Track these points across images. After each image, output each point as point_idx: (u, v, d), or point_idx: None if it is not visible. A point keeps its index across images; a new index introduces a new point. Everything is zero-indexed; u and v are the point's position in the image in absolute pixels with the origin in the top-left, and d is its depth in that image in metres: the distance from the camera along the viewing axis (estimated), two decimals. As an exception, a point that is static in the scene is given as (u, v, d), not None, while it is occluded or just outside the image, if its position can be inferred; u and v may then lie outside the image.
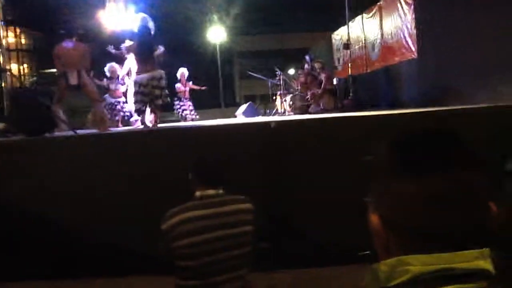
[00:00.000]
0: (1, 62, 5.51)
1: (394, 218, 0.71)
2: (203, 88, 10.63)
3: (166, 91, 6.01)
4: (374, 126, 4.54)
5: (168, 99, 6.11)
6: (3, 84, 5.67)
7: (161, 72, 5.93)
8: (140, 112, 6.03)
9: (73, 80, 5.71)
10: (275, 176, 4.20)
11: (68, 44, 5.86)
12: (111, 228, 4.12)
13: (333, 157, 4.26)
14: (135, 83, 5.94)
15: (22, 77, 37.67)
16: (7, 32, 36.63)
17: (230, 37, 29.15)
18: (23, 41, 38.46)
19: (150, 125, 6.14)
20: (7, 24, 33.79)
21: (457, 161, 0.70)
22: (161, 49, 6.15)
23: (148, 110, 6.06)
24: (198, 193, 2.31)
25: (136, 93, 5.89)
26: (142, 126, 6.23)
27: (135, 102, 5.97)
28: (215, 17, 26.86)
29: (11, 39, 38.33)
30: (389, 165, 0.75)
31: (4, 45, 32.36)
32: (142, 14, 6.28)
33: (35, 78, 35.59)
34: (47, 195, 4.18)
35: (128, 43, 6.25)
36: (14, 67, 37.62)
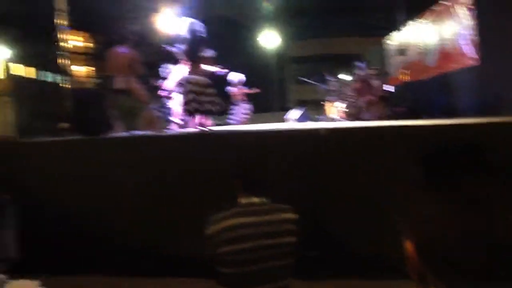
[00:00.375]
0: (65, 65, 5.80)
1: (428, 246, 0.68)
2: (256, 91, 10.66)
3: (215, 98, 6.02)
4: (428, 136, 4.40)
5: (218, 107, 6.10)
6: (66, 86, 5.96)
7: (204, 79, 5.96)
8: (191, 112, 6.08)
9: (119, 84, 5.92)
10: (323, 184, 4.18)
11: (119, 49, 6.09)
12: (158, 229, 4.24)
13: (386, 167, 4.17)
14: (186, 82, 6.00)
15: (86, 79, 39.60)
16: (75, 36, 38.46)
17: (282, 42, 29.29)
18: (87, 44, 40.36)
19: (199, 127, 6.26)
20: (74, 28, 35.46)
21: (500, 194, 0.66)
22: (210, 52, 6.27)
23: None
24: (243, 200, 2.30)
25: (187, 93, 5.97)
26: (193, 128, 6.33)
27: (186, 103, 6.05)
28: (268, 22, 27.06)
29: (78, 42, 40.29)
30: (424, 187, 0.73)
31: (70, 48, 33.76)
32: (191, 19, 6.43)
33: (97, 80, 37.27)
34: (95, 193, 4.36)
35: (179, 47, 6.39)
36: (78, 70, 39.51)
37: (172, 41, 6.57)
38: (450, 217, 0.67)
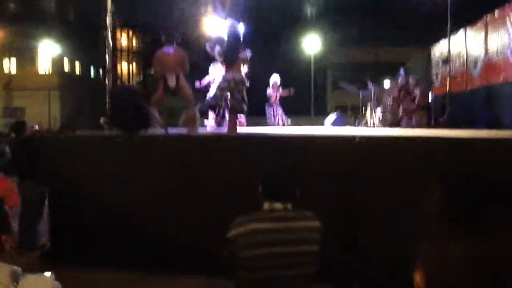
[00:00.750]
0: (108, 62, 5.99)
1: (438, 281, 0.67)
2: (291, 93, 10.60)
3: (245, 98, 6.06)
4: (469, 149, 4.26)
5: (244, 106, 6.13)
6: (109, 82, 6.16)
7: (239, 76, 6.01)
8: (213, 108, 6.11)
9: (172, 83, 6.05)
10: (355, 192, 4.12)
11: (168, 50, 6.22)
12: (187, 227, 4.30)
13: (421, 179, 4.06)
14: (223, 80, 6.05)
15: (131, 75, 40.52)
16: (121, 34, 39.67)
17: (325, 47, 29.21)
18: (134, 43, 41.54)
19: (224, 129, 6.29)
20: (121, 26, 36.57)
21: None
22: (247, 53, 6.31)
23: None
24: (266, 206, 2.25)
25: (213, 96, 6.04)
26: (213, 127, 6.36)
27: (209, 104, 6.11)
28: (312, 28, 27.01)
29: (124, 41, 41.43)
30: (440, 221, 0.71)
31: (116, 46, 34.77)
32: (231, 20, 6.49)
33: (141, 78, 38.19)
34: (127, 189, 4.47)
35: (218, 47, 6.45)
36: (124, 67, 40.49)
37: (214, 42, 6.64)
38: (473, 263, 0.64)
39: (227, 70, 6.13)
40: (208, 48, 6.58)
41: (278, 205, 2.24)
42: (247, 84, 6.29)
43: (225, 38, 6.41)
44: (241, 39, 6.40)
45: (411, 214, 3.92)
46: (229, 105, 6.03)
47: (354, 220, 4.07)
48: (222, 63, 6.52)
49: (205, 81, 8.02)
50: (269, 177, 2.34)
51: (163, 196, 4.41)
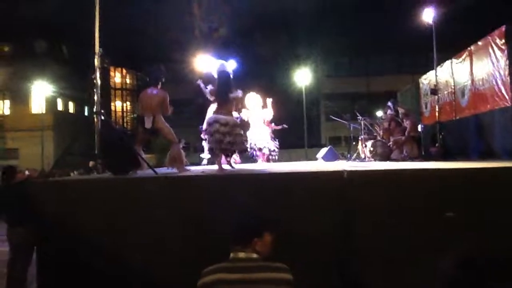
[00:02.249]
0: (97, 104, 6.02)
1: None
2: (284, 127, 10.66)
3: (243, 138, 6.13)
4: (461, 180, 4.28)
5: (245, 145, 6.19)
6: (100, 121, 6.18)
7: (227, 119, 6.03)
8: (213, 151, 6.18)
9: (148, 124, 6.09)
10: (344, 229, 4.09)
11: (151, 91, 6.29)
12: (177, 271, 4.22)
13: (412, 213, 4.07)
14: (209, 131, 6.11)
15: (125, 113, 40.63)
16: (114, 72, 40.06)
17: (316, 79, 29.63)
18: (128, 80, 41.94)
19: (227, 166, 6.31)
20: (115, 65, 36.93)
21: None
22: (239, 92, 6.40)
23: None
24: (231, 255, 2.22)
25: (211, 141, 6.09)
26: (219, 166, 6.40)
27: (211, 142, 6.15)
28: (302, 60, 27.45)
29: (118, 79, 41.82)
30: None
31: (110, 85, 34.94)
32: (222, 61, 6.62)
33: (135, 115, 38.33)
34: (119, 232, 4.41)
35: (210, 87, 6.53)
36: (118, 105, 40.64)
37: (205, 81, 6.73)
38: None
39: (218, 110, 6.18)
40: (201, 85, 6.66)
41: (241, 254, 2.19)
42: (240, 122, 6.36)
43: (216, 76, 6.52)
44: (231, 78, 6.50)
45: (405, 249, 3.93)
46: (224, 149, 6.07)
47: (349, 256, 4.04)
48: (214, 102, 6.59)
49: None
50: (235, 225, 2.29)
51: (157, 238, 4.35)
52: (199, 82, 6.78)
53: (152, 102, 6.19)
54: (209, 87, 6.49)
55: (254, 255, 2.20)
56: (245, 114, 8.83)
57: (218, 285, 2.12)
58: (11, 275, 5.60)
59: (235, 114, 6.51)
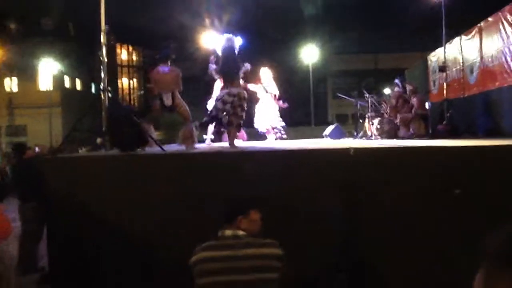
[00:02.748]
0: (104, 82, 6.04)
1: None
2: (285, 106, 10.62)
3: (240, 111, 6.09)
4: (469, 158, 4.28)
5: (239, 119, 6.19)
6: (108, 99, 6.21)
7: (237, 91, 6.04)
8: (215, 120, 6.16)
9: (168, 101, 6.12)
10: (350, 208, 4.12)
11: (163, 68, 6.29)
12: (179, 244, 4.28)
13: (418, 191, 4.08)
14: (217, 99, 6.13)
15: (132, 90, 40.63)
16: (120, 49, 39.85)
17: (323, 56, 29.31)
18: (134, 58, 41.76)
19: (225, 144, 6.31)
20: (121, 42, 36.75)
21: None
22: (247, 66, 6.37)
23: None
24: (219, 233, 2.25)
25: (214, 107, 6.09)
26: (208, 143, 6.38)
27: (210, 115, 6.15)
28: (310, 36, 27.14)
29: (124, 56, 41.64)
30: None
31: (116, 62, 34.89)
32: (227, 35, 6.56)
33: (142, 92, 38.34)
34: (128, 210, 4.47)
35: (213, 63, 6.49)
36: (125, 82, 40.60)
37: (212, 57, 6.70)
38: None
39: (226, 86, 6.16)
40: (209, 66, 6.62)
41: (228, 232, 2.23)
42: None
43: (221, 54, 6.48)
44: (237, 54, 6.46)
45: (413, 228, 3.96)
46: (230, 121, 6.06)
47: (355, 234, 4.08)
48: (220, 79, 6.56)
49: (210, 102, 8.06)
50: (226, 203, 2.34)
51: (166, 216, 4.40)
52: (212, 60, 6.75)
53: (168, 79, 6.21)
54: (213, 66, 6.47)
55: (240, 232, 2.22)
56: (253, 88, 8.81)
57: (207, 262, 2.16)
58: (23, 249, 5.73)
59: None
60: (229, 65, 6.20)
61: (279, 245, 2.25)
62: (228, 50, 6.36)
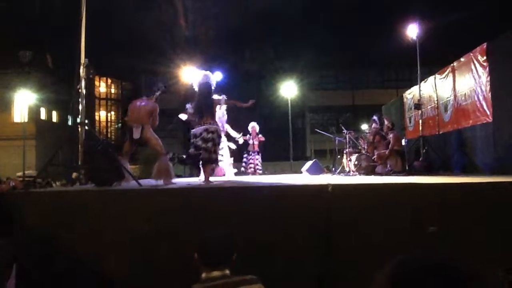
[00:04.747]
0: (82, 113, 5.97)
1: None
2: (261, 139, 10.74)
3: (220, 147, 6.12)
4: (442, 194, 4.33)
5: (217, 155, 6.19)
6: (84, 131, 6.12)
7: (215, 127, 6.09)
8: (189, 163, 6.16)
9: (137, 134, 6.06)
10: (328, 243, 4.09)
11: (140, 101, 6.28)
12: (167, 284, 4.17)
13: (395, 227, 4.09)
14: (194, 135, 6.13)
15: (109, 123, 40.20)
16: (99, 81, 39.72)
17: (302, 91, 29.77)
18: (112, 90, 41.58)
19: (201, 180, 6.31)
20: (100, 74, 36.68)
21: None
22: (222, 97, 6.42)
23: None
24: (203, 275, 2.20)
25: (193, 145, 6.09)
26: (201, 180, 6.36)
27: (188, 155, 6.15)
28: (288, 72, 27.62)
29: (102, 88, 41.46)
30: None
31: (94, 94, 34.66)
32: (205, 72, 6.64)
33: (119, 125, 38.03)
34: (103, 244, 4.34)
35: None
36: (102, 115, 40.20)
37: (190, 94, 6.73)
38: None
39: (199, 120, 6.17)
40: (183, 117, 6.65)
41: (215, 273, 2.18)
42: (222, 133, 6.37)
43: (197, 89, 6.53)
44: (212, 88, 6.52)
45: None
46: (210, 157, 6.05)
47: (331, 270, 4.03)
48: (196, 114, 6.56)
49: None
50: (205, 244, 2.29)
51: (140, 251, 4.28)
52: (181, 116, 6.82)
53: (141, 112, 6.17)
54: (189, 109, 6.49)
55: (227, 271, 2.20)
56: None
57: None
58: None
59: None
60: (205, 102, 6.24)
61: (259, 280, 2.25)
62: (204, 86, 6.43)
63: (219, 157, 8.43)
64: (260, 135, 10.64)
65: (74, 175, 6.08)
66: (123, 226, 4.37)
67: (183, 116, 7.33)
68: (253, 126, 10.61)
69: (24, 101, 26.90)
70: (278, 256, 4.03)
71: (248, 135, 10.38)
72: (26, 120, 27.77)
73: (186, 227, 4.21)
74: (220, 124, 7.07)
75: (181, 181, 7.36)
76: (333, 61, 30.26)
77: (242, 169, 10.19)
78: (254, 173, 10.21)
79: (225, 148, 9.25)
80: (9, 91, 26.37)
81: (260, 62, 29.09)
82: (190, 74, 9.49)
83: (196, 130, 6.14)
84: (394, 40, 13.31)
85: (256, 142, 10.51)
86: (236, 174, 9.66)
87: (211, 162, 6.15)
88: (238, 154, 10.45)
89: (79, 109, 6.20)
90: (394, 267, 0.75)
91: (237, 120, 10.06)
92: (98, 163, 5.28)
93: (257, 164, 10.37)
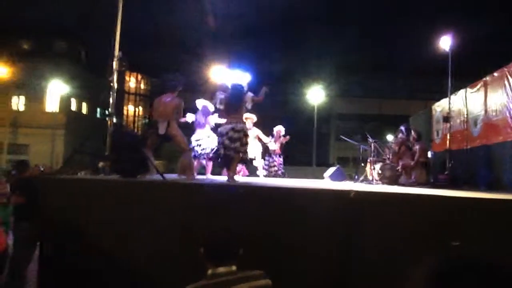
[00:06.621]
0: (112, 106, 6.10)
1: None
2: (286, 139, 10.76)
3: (247, 147, 6.12)
4: (467, 210, 4.25)
5: (247, 155, 6.21)
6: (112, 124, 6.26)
7: (242, 126, 6.11)
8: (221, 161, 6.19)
9: (162, 130, 6.14)
10: (347, 249, 4.08)
11: (166, 97, 6.36)
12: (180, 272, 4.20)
13: (413, 238, 4.04)
14: (219, 133, 6.17)
15: (136, 118, 40.80)
16: (129, 77, 40.36)
17: (328, 97, 29.66)
18: (142, 86, 42.20)
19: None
20: (129, 70, 37.22)
21: None
22: (249, 94, 6.44)
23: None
24: (209, 271, 2.19)
25: (218, 143, 6.14)
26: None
27: (216, 152, 6.19)
28: (315, 77, 27.55)
29: (132, 84, 42.10)
30: None
31: (124, 89, 35.18)
32: (239, 71, 6.69)
33: (146, 121, 38.60)
34: (125, 234, 4.42)
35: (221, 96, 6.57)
36: (130, 109, 40.78)
37: (220, 92, 6.76)
38: None
39: (228, 119, 6.21)
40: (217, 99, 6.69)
41: (221, 269, 2.18)
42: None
43: (229, 87, 6.57)
44: (244, 93, 6.52)
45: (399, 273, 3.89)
46: (236, 156, 6.07)
47: (350, 275, 4.01)
48: (224, 112, 6.59)
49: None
50: (211, 240, 2.28)
51: (162, 242, 4.35)
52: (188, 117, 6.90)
53: (167, 108, 6.24)
54: (220, 95, 6.52)
55: (234, 268, 2.20)
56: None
57: None
58: (12, 270, 5.61)
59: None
60: (235, 103, 6.27)
61: (266, 275, 2.25)
62: (237, 88, 6.40)
63: (251, 156, 8.53)
64: (285, 136, 10.68)
65: (101, 164, 6.21)
66: (144, 218, 4.44)
67: (190, 118, 7.41)
68: (278, 129, 10.66)
69: (57, 91, 27.58)
70: (297, 257, 4.03)
71: (270, 137, 10.42)
72: (57, 110, 28.53)
73: (201, 221, 4.25)
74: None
75: (203, 177, 7.43)
76: (362, 68, 30.02)
77: (264, 172, 10.21)
78: (276, 175, 10.24)
79: (257, 148, 9.33)
80: (42, 81, 27.07)
81: (288, 65, 29.07)
82: (219, 73, 9.60)
83: (223, 128, 6.17)
84: (425, 51, 13.13)
85: (278, 145, 10.54)
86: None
87: (240, 161, 6.16)
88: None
89: (109, 101, 6.34)
90: (436, 265, 0.77)
91: (263, 126, 10.13)
92: (125, 155, 5.38)
93: (280, 164, 10.41)
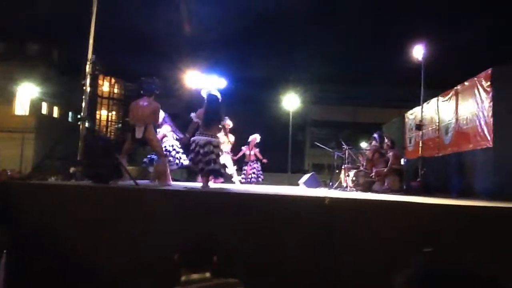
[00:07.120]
0: (84, 110, 5.99)
1: None
2: (264, 160, 10.92)
3: (220, 160, 6.14)
4: (437, 216, 4.32)
5: (223, 169, 6.23)
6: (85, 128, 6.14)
7: (218, 141, 6.12)
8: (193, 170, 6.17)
9: (139, 134, 6.07)
10: (322, 253, 4.08)
11: (143, 101, 6.29)
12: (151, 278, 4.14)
13: (387, 243, 4.08)
14: (192, 141, 6.09)
15: (109, 123, 40.26)
16: (103, 81, 39.76)
17: (304, 104, 29.88)
18: (115, 90, 41.62)
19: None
20: (103, 74, 36.75)
21: None
22: (226, 120, 6.45)
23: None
24: (183, 278, 2.17)
25: (191, 151, 6.08)
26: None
27: (190, 160, 6.15)
28: (291, 84, 27.73)
29: (106, 88, 41.49)
30: None
31: (96, 92, 34.63)
32: (214, 76, 6.67)
33: (119, 125, 38.06)
34: (94, 239, 4.32)
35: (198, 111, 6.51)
36: (103, 114, 40.18)
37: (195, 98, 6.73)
38: None
39: (203, 130, 6.12)
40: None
41: (195, 276, 2.16)
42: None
43: (205, 98, 6.51)
44: (220, 104, 6.46)
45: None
46: (212, 169, 6.02)
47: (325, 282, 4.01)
48: (203, 125, 6.50)
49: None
50: (185, 246, 2.27)
51: (136, 249, 4.27)
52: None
53: (145, 112, 6.18)
54: (193, 118, 6.47)
55: (207, 274, 2.18)
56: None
57: None
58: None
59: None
60: (210, 115, 6.21)
61: (241, 284, 2.23)
62: (214, 101, 6.37)
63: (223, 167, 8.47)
64: (257, 149, 10.77)
65: (72, 169, 6.08)
66: (116, 224, 4.36)
67: (165, 130, 7.36)
68: (253, 138, 10.80)
69: (26, 94, 26.92)
70: (273, 263, 4.01)
71: (245, 146, 10.54)
72: (27, 113, 27.83)
73: (177, 228, 4.19)
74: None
75: (178, 184, 7.34)
76: (336, 76, 30.38)
77: (242, 180, 10.23)
78: (256, 180, 10.34)
79: (227, 158, 9.33)
80: (12, 83, 26.40)
81: (264, 71, 29.18)
82: (194, 79, 9.54)
83: (199, 138, 6.04)
84: (399, 60, 13.37)
85: (252, 153, 10.66)
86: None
87: (214, 174, 6.17)
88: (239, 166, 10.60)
89: (82, 105, 6.22)
90: (416, 270, 0.77)
91: (240, 132, 10.15)
92: (98, 160, 5.28)
93: (259, 171, 10.51)
